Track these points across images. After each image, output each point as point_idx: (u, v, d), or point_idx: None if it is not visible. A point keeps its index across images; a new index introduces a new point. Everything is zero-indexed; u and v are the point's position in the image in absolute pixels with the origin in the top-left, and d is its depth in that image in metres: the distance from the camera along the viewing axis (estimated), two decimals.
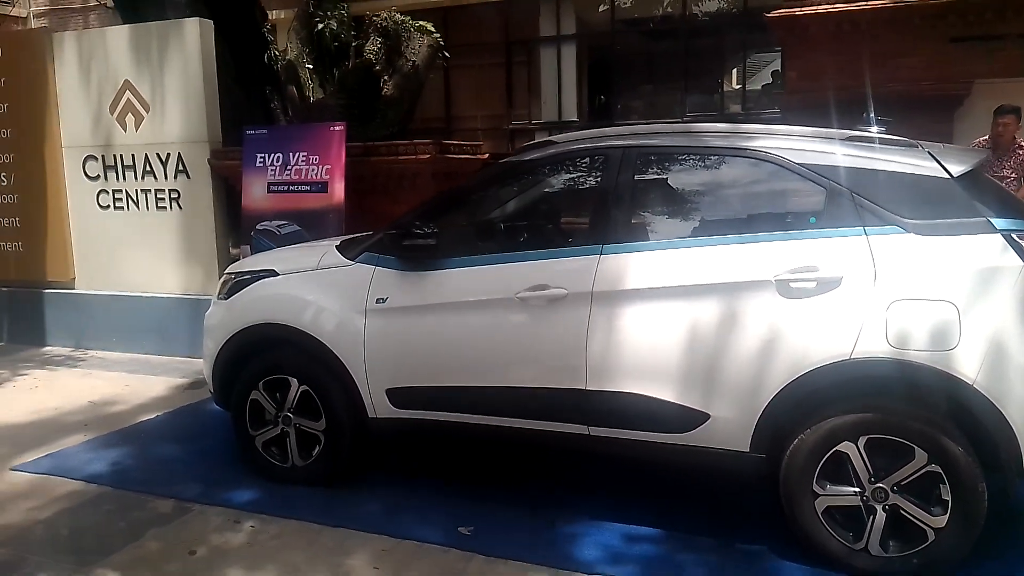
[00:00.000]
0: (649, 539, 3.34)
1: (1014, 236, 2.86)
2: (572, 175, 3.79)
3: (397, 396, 3.69)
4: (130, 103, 6.71)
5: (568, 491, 3.84)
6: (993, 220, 2.89)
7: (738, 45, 13.20)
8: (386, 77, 7.34)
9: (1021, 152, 6.15)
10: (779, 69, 11.78)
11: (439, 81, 13.39)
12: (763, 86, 14.03)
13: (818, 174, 3.10)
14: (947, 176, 2.97)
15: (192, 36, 6.37)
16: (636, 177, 3.41)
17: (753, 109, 12.80)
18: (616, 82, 14.40)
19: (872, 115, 3.55)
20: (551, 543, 3.31)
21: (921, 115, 7.66)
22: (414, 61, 7.28)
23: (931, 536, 2.90)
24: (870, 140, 3.24)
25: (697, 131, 3.50)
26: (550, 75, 13.48)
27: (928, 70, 8.01)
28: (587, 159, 3.66)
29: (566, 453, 3.61)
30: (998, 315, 2.82)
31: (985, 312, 2.82)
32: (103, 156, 6.87)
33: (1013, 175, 6.16)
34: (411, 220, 3.63)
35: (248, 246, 6.01)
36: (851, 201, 3.03)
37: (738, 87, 15.00)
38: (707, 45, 13.30)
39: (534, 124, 13.62)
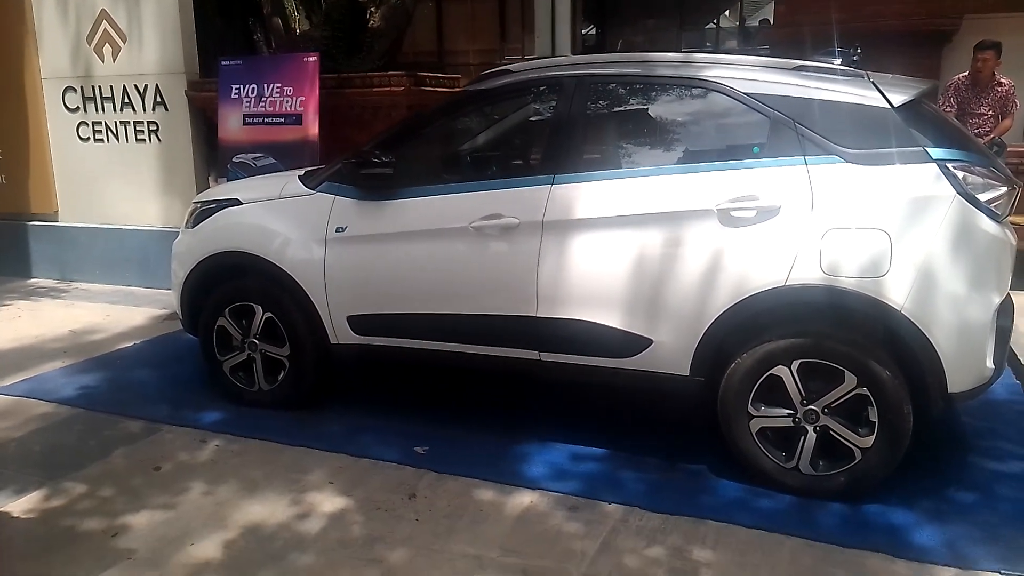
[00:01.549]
0: (594, 458, 3.47)
1: (949, 166, 2.91)
2: (527, 104, 3.81)
3: (357, 323, 3.79)
4: (107, 33, 6.67)
5: (520, 414, 3.98)
6: (930, 150, 2.93)
7: None
8: (373, 9, 7.24)
9: (1000, 89, 6.12)
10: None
11: (431, 14, 13.17)
12: (760, 21, 13.77)
13: (763, 104, 3.12)
14: (888, 106, 2.99)
15: None
16: (588, 106, 3.44)
17: (749, 45, 12.59)
18: (611, 17, 14.14)
19: (836, 47, 3.51)
20: (500, 461, 3.45)
21: (911, 50, 7.59)
22: None
23: (858, 455, 3.02)
24: (817, 70, 3.25)
25: (650, 60, 3.50)
26: (544, 9, 13.22)
27: (919, 4, 7.88)
28: (542, 88, 3.68)
29: (518, 377, 3.73)
30: (928, 243, 2.88)
31: (916, 240, 2.88)
32: (82, 88, 6.87)
33: (991, 111, 6.15)
34: (369, 150, 3.67)
35: (224, 179, 6.05)
36: (794, 131, 3.06)
37: (736, 24, 14.71)
38: None
39: (528, 59, 13.41)
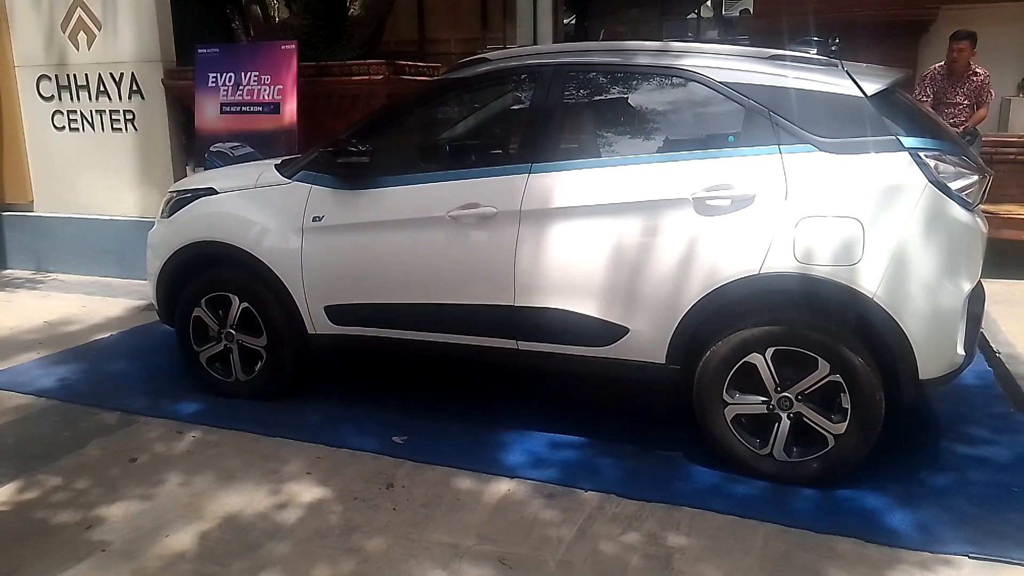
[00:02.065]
0: (572, 446, 3.49)
1: (920, 154, 2.93)
2: (505, 93, 3.80)
3: (335, 313, 3.78)
4: (82, 20, 6.58)
5: (498, 403, 3.99)
6: (902, 138, 2.95)
7: None
8: None
9: (975, 79, 6.17)
10: None
11: (412, 3, 13.08)
12: (740, 11, 13.81)
13: (738, 92, 3.13)
14: (861, 95, 3.01)
15: None
16: (565, 95, 3.44)
17: (728, 35, 12.62)
18: (593, 7, 14.12)
19: (814, 37, 3.52)
20: (478, 450, 3.46)
21: (889, 41, 7.67)
22: None
23: (831, 442, 3.05)
24: (792, 59, 3.26)
25: (627, 49, 3.50)
26: None
27: None
28: (519, 77, 3.67)
29: (496, 367, 3.73)
30: (900, 231, 2.91)
31: (888, 228, 2.91)
32: (56, 76, 6.77)
33: (966, 101, 6.20)
34: (346, 138, 3.65)
35: (202, 168, 5.99)
36: (768, 120, 3.07)
37: (714, 14, 14.73)
38: None
39: (510, 48, 13.35)
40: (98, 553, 2.74)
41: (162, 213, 4.23)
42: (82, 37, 6.59)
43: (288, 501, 3.08)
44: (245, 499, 3.09)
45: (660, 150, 3.33)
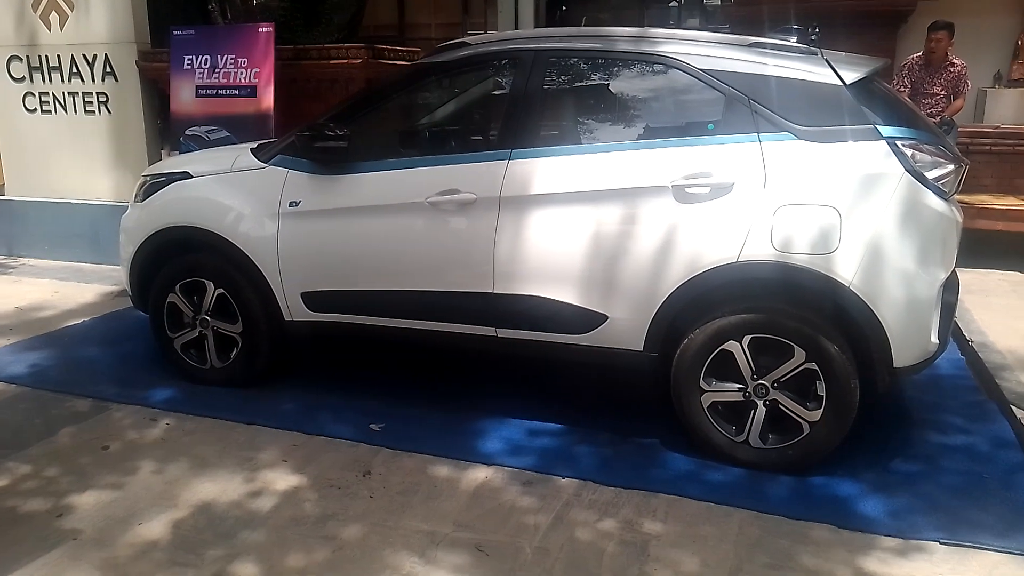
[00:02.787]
0: (550, 433, 3.49)
1: (898, 143, 2.94)
2: (484, 78, 3.77)
3: (312, 299, 3.74)
4: (53, 0, 6.44)
5: (477, 390, 3.98)
6: (880, 127, 2.96)
7: None
8: None
9: (952, 69, 6.21)
10: None
11: None
12: (721, 0, 13.77)
13: (718, 80, 3.12)
14: (840, 83, 3.01)
15: None
16: (546, 81, 3.41)
17: (710, 23, 12.60)
18: None
19: (794, 25, 3.52)
20: (456, 438, 3.45)
21: (868, 30, 7.68)
22: None
23: (806, 429, 3.08)
24: (772, 48, 3.26)
25: (607, 35, 3.48)
26: None
27: None
28: (499, 62, 3.64)
29: (476, 354, 3.71)
30: (877, 220, 2.92)
31: (865, 217, 2.92)
32: (28, 57, 6.65)
33: (943, 91, 6.24)
34: (323, 122, 3.60)
35: (177, 152, 5.90)
36: (748, 107, 3.07)
37: (695, 1, 14.68)
38: None
39: (490, 33, 13.26)
40: (69, 542, 2.71)
41: (136, 197, 4.16)
42: (54, 17, 6.47)
43: (263, 489, 3.05)
44: (219, 487, 3.06)
45: (640, 137, 3.32)
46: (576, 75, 3.50)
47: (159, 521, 2.83)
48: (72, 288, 5.87)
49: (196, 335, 3.98)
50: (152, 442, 3.46)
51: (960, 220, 3.18)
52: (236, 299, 3.84)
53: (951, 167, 3.04)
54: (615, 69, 3.43)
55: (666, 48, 3.25)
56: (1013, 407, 3.57)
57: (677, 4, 13.51)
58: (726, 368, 3.14)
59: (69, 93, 6.56)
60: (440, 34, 13.65)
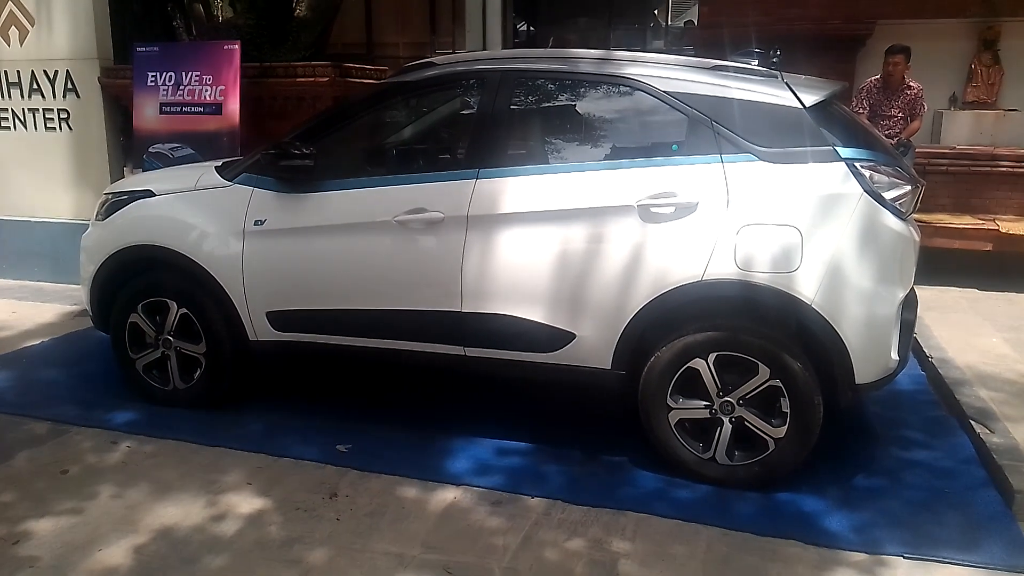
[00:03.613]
0: (518, 452, 3.48)
1: (857, 165, 3.01)
2: (452, 98, 3.78)
3: (278, 319, 3.70)
4: (13, 15, 6.35)
5: (445, 410, 3.96)
6: (839, 149, 3.03)
7: None
8: None
9: (909, 92, 6.37)
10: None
11: (360, 5, 12.97)
12: (685, 22, 14.05)
13: (682, 102, 3.17)
14: (800, 106, 3.07)
15: None
16: (512, 101, 3.44)
17: (674, 45, 12.83)
18: (542, 14, 14.19)
19: (755, 48, 3.59)
20: (424, 458, 3.42)
21: (828, 54, 7.87)
22: None
23: (772, 445, 3.11)
24: (735, 71, 3.32)
25: (573, 57, 3.52)
26: (475, 3, 13.16)
27: (835, 9, 8.17)
28: (466, 82, 3.66)
29: (444, 373, 3.70)
30: (837, 239, 2.98)
31: (826, 236, 2.98)
32: None
33: (900, 114, 6.40)
34: (289, 141, 3.59)
35: (140, 170, 5.83)
36: (711, 129, 3.12)
37: (661, 24, 14.97)
38: None
39: (457, 53, 13.33)
40: (26, 569, 2.63)
41: (97, 215, 4.09)
42: (13, 32, 6.36)
43: (227, 512, 3.00)
44: (182, 511, 3.00)
45: (606, 157, 3.35)
46: (543, 96, 3.54)
47: (120, 547, 2.76)
48: (30, 308, 5.74)
49: (159, 356, 3.92)
50: (113, 465, 3.38)
51: (918, 239, 3.26)
52: (200, 319, 3.79)
53: (908, 187, 3.11)
54: (581, 90, 3.48)
55: (631, 70, 3.30)
56: (972, 422, 3.65)
57: (643, 27, 13.73)
58: (693, 386, 3.16)
59: (29, 109, 6.45)
60: (408, 53, 13.68)
